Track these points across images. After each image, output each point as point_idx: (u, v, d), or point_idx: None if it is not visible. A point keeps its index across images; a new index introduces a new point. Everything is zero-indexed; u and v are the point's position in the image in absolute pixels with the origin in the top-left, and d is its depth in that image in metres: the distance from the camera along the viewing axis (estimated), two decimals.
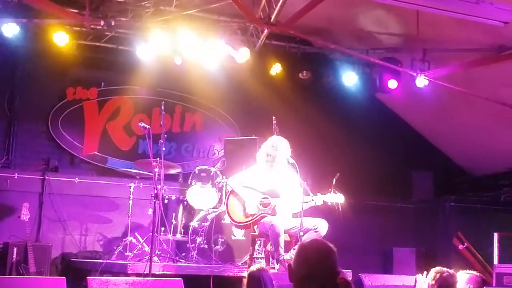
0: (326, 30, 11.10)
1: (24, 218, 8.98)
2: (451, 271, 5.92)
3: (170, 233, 9.64)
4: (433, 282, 5.81)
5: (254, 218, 8.25)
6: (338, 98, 11.98)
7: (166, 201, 9.77)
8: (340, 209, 8.06)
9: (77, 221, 10.48)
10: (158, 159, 8.91)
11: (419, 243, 12.10)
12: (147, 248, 8.86)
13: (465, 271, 6.54)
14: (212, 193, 9.63)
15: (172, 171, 10.14)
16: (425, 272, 6.51)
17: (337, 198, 8.16)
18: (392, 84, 11.17)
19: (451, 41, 10.49)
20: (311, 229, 8.02)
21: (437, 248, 12.18)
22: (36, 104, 10.81)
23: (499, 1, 8.32)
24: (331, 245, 3.42)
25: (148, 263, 7.63)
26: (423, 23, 9.68)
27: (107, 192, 10.71)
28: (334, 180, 8.08)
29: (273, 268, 7.92)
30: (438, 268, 5.94)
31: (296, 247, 3.55)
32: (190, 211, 9.97)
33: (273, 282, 6.19)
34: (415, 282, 6.72)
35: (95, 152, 11.19)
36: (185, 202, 9.88)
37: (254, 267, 6.36)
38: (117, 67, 11.10)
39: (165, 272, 7.98)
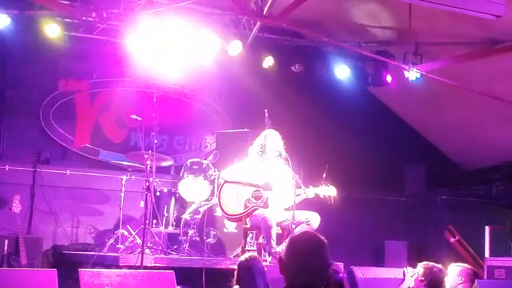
0: (319, 23, 11.08)
1: (16, 210, 8.96)
2: (440, 265, 5.95)
3: (162, 225, 9.64)
4: (423, 278, 5.83)
5: (246, 211, 8.26)
6: (331, 91, 11.98)
7: (158, 193, 9.76)
8: (332, 202, 8.08)
9: (68, 213, 10.46)
10: (150, 151, 8.91)
11: (411, 237, 12.12)
12: (138, 241, 8.86)
13: (456, 264, 6.57)
14: (204, 186, 9.63)
15: (164, 164, 10.14)
16: (410, 268, 6.54)
17: (329, 191, 8.17)
18: (389, 78, 11.21)
19: (444, 35, 10.51)
20: (303, 222, 8.04)
21: (429, 241, 12.22)
22: (28, 96, 10.75)
23: None
24: (323, 238, 3.41)
25: (140, 255, 7.63)
26: (415, 16, 9.68)
27: (99, 185, 10.69)
28: (325, 172, 8.10)
29: (265, 260, 7.93)
30: (426, 263, 5.96)
31: (288, 239, 3.55)
32: (182, 204, 9.97)
33: (264, 270, 6.18)
34: (404, 275, 6.75)
35: (87, 144, 11.15)
36: (177, 195, 9.88)
37: (243, 257, 6.35)
38: (109, 59, 11.03)
39: (157, 265, 7.98)
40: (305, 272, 3.30)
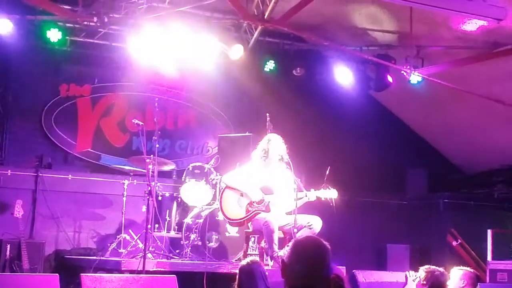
0: (320, 27, 11.09)
1: (18, 215, 8.95)
2: (441, 269, 5.93)
3: (164, 230, 9.62)
4: (425, 282, 5.81)
5: (248, 215, 8.25)
6: (332, 95, 11.97)
7: (160, 198, 9.74)
8: (333, 204, 8.07)
9: (70, 218, 10.45)
10: (152, 156, 8.90)
11: (413, 240, 12.10)
12: (141, 245, 8.85)
13: (459, 267, 6.56)
14: (206, 190, 9.62)
15: (166, 168, 10.13)
16: (412, 272, 6.52)
17: (330, 194, 8.17)
18: (390, 78, 11.21)
19: (445, 38, 10.50)
20: (305, 226, 8.03)
21: (431, 245, 12.19)
22: (30, 101, 10.77)
23: None
24: (325, 243, 3.45)
25: (142, 260, 7.62)
26: (416, 20, 9.68)
27: (101, 189, 10.67)
28: (326, 174, 8.09)
29: (267, 265, 7.92)
30: (428, 267, 5.94)
31: (291, 243, 3.57)
32: (184, 208, 9.96)
33: (266, 274, 6.18)
34: (406, 279, 6.73)
35: (89, 149, 11.16)
36: (179, 199, 9.86)
37: (244, 261, 6.35)
38: (111, 63, 11.07)
39: (159, 269, 7.97)
40: (308, 276, 3.34)
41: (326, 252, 3.41)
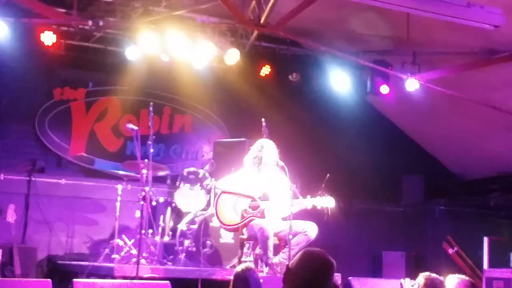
0: (316, 32, 11.07)
1: (10, 219, 8.88)
2: (441, 278, 5.87)
3: (158, 235, 9.56)
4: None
5: (243, 221, 8.20)
6: (328, 100, 11.94)
7: (154, 203, 9.67)
8: (329, 213, 8.01)
9: (63, 222, 10.39)
10: (146, 160, 8.86)
11: (409, 247, 12.08)
12: (134, 251, 8.79)
13: (454, 275, 6.51)
14: (201, 196, 9.57)
15: (160, 173, 10.06)
16: (408, 279, 6.47)
17: (327, 202, 8.10)
18: (384, 89, 11.15)
19: (442, 44, 10.49)
20: (300, 232, 7.98)
21: (427, 252, 12.18)
22: (23, 105, 10.71)
23: (489, 4, 8.32)
24: (332, 259, 3.70)
25: (136, 265, 7.55)
26: (413, 26, 9.66)
27: (94, 194, 10.62)
28: (324, 182, 8.03)
29: (262, 271, 7.86)
30: (428, 274, 5.88)
31: (302, 252, 3.76)
32: (178, 214, 9.89)
33: (260, 281, 6.13)
34: (401, 286, 6.68)
35: (82, 153, 11.10)
36: (173, 204, 9.81)
37: (239, 267, 6.29)
38: (105, 67, 11.02)
39: (153, 275, 7.89)
40: (309, 282, 3.56)
41: (331, 267, 3.67)
